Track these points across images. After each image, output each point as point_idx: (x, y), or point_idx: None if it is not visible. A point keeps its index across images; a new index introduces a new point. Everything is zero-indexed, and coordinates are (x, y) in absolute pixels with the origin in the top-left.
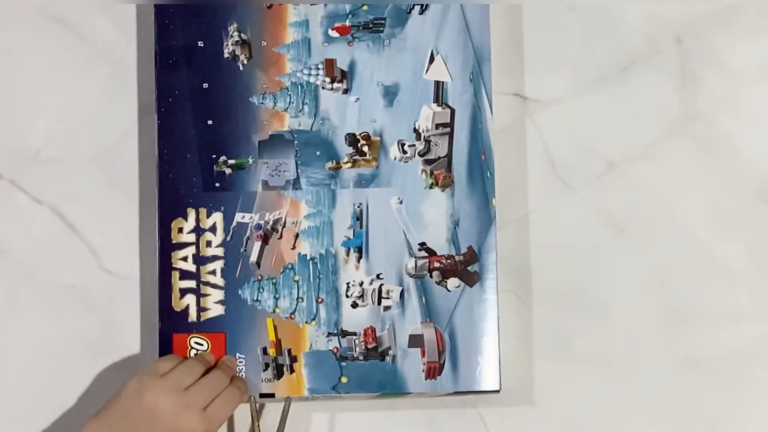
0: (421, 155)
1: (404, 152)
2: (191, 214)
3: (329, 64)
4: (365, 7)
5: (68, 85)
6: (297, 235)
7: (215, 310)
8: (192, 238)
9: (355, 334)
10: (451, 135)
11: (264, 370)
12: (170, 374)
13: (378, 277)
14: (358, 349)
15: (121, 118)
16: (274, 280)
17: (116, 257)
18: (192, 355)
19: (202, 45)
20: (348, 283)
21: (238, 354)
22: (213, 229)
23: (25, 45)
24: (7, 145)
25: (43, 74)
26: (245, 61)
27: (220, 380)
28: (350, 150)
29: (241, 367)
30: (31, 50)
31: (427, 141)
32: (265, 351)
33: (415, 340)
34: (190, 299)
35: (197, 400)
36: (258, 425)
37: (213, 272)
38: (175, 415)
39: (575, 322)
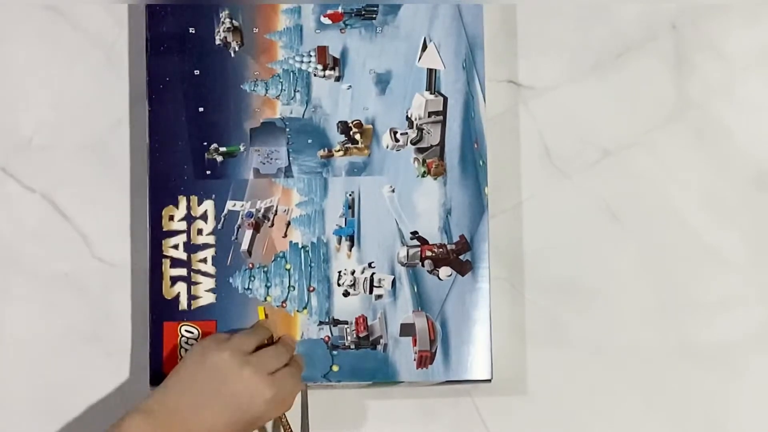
0: (413, 143)
1: (396, 140)
2: (182, 201)
3: (321, 51)
4: None
5: (60, 72)
6: (288, 224)
7: (206, 298)
8: (183, 226)
9: (346, 322)
10: (443, 123)
11: None
12: (231, 339)
13: (370, 265)
14: (349, 337)
15: (113, 106)
16: (265, 269)
17: (109, 245)
18: (184, 342)
19: (194, 31)
20: (340, 272)
21: None
22: (204, 217)
23: (16, 32)
24: None
25: (35, 61)
26: (237, 48)
27: (283, 353)
28: (342, 138)
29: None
30: (22, 37)
31: (420, 129)
32: None
33: (407, 329)
34: (180, 287)
35: (262, 362)
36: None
37: (204, 260)
38: (241, 374)
39: (569, 310)
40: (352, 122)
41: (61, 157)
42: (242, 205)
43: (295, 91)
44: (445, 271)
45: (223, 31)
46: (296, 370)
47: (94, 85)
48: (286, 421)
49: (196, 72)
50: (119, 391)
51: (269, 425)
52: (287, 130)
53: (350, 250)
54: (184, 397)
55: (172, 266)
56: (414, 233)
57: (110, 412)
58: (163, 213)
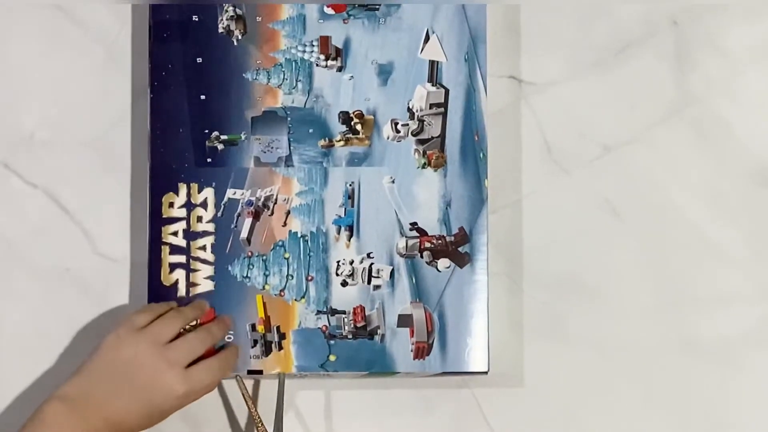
0: (414, 135)
1: (397, 131)
2: (182, 189)
3: (324, 41)
4: None
5: (62, 68)
6: (288, 213)
7: (205, 285)
8: (183, 213)
9: (344, 312)
10: (444, 115)
11: (252, 347)
12: (149, 328)
13: (368, 256)
14: (347, 327)
15: (115, 102)
16: (264, 257)
17: (110, 241)
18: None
19: (197, 19)
20: (338, 262)
21: None
22: (204, 204)
23: (18, 28)
24: (0, 129)
25: (37, 57)
26: (240, 37)
27: (204, 340)
28: (343, 128)
29: (231, 342)
30: (24, 34)
31: (421, 121)
32: (253, 328)
33: (405, 320)
34: (179, 274)
35: (178, 355)
36: (254, 405)
37: (203, 248)
38: (155, 369)
39: (568, 305)
40: (353, 112)
41: (63, 152)
42: (242, 194)
43: (297, 80)
44: (443, 263)
45: (227, 20)
46: (219, 363)
47: (95, 81)
48: (258, 417)
49: (199, 60)
50: None
51: (242, 419)
52: (288, 119)
53: (349, 240)
54: (100, 386)
55: (171, 253)
56: (413, 224)
57: None
58: (163, 200)
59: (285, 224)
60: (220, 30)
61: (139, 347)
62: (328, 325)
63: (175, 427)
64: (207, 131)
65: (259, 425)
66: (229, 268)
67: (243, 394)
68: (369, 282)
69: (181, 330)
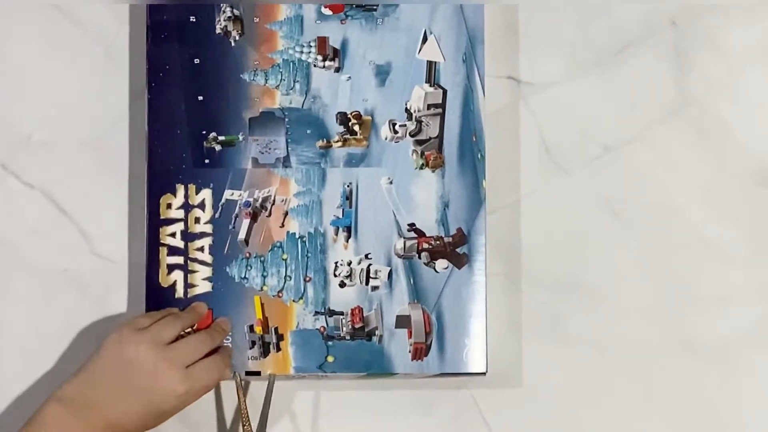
0: (412, 135)
1: (395, 132)
2: (180, 190)
3: (322, 41)
4: None
5: (60, 68)
6: (286, 213)
7: (203, 286)
8: (181, 214)
9: (342, 313)
10: (442, 116)
11: (250, 348)
12: (150, 328)
13: (366, 257)
14: (345, 328)
15: (113, 103)
16: (262, 258)
17: (108, 242)
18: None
19: (194, 20)
20: (336, 263)
21: None
22: (202, 205)
23: (17, 29)
24: None
25: (35, 58)
26: (237, 37)
27: (204, 342)
28: (341, 129)
29: (227, 344)
30: (23, 34)
31: (419, 121)
32: (251, 329)
33: (403, 321)
34: (177, 275)
35: (179, 356)
36: (245, 402)
37: (201, 249)
38: (156, 368)
39: (567, 305)
40: (351, 113)
41: (61, 153)
42: (240, 195)
43: (294, 81)
44: (441, 264)
45: (224, 20)
46: (217, 363)
47: (94, 81)
48: (247, 414)
49: (196, 61)
50: None
51: (229, 416)
52: (286, 120)
53: (347, 241)
54: (100, 387)
55: (169, 254)
56: (411, 225)
57: None
58: (161, 201)
59: (283, 225)
60: (218, 31)
61: (140, 347)
62: (326, 326)
63: (173, 427)
64: (204, 132)
65: (246, 424)
66: (227, 270)
67: (237, 390)
68: (367, 283)
69: (182, 333)
